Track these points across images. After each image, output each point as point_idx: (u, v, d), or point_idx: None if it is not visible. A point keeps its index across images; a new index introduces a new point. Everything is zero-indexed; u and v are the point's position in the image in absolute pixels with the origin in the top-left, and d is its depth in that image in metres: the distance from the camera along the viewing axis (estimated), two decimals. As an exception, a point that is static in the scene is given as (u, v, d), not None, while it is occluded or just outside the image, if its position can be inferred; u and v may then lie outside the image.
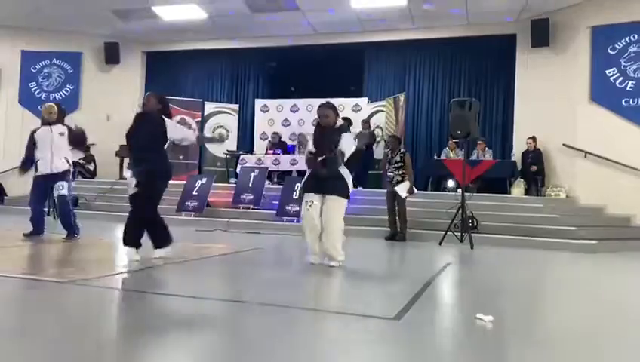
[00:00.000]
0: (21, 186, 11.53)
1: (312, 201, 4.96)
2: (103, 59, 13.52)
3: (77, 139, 6.67)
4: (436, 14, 11.11)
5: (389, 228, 8.23)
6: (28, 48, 13.38)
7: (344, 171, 4.93)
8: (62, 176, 6.52)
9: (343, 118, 10.08)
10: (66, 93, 13.49)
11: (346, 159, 4.91)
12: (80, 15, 12.02)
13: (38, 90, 13.49)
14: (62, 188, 6.55)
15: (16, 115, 13.05)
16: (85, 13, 11.89)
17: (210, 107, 13.61)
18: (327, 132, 5.00)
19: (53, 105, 6.83)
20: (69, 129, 6.64)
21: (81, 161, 12.35)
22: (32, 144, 6.54)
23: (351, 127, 5.19)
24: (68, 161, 6.60)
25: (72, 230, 6.55)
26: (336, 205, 4.92)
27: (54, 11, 11.83)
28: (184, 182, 10.69)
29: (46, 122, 6.65)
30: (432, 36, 11.97)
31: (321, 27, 12.20)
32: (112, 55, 13.42)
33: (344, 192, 4.94)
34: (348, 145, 4.92)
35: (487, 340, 2.85)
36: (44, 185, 6.57)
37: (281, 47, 13.06)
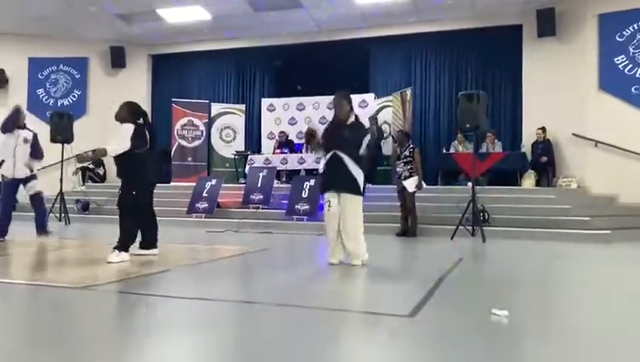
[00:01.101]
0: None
1: (330, 201, 4.96)
2: (109, 64, 13.58)
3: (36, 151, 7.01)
4: (441, 7, 11.03)
5: (399, 225, 8.20)
6: (35, 55, 13.46)
7: (355, 168, 4.88)
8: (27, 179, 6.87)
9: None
10: (74, 99, 13.56)
11: (361, 152, 4.89)
12: (85, 20, 12.06)
13: (46, 97, 13.57)
14: (36, 186, 6.94)
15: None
16: (90, 18, 11.93)
17: (216, 108, 13.62)
18: (340, 127, 4.95)
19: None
20: (34, 136, 6.99)
21: (91, 166, 12.43)
22: None
23: (374, 127, 5.16)
24: (31, 168, 6.91)
25: (44, 228, 6.95)
26: (350, 203, 4.90)
27: (60, 18, 11.89)
28: (194, 184, 10.72)
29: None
30: (437, 29, 11.89)
31: (326, 24, 12.16)
32: (118, 59, 13.47)
33: (356, 190, 4.89)
34: (358, 142, 4.90)
35: (503, 336, 2.82)
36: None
37: (286, 46, 13.04)
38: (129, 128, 4.95)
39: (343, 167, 4.85)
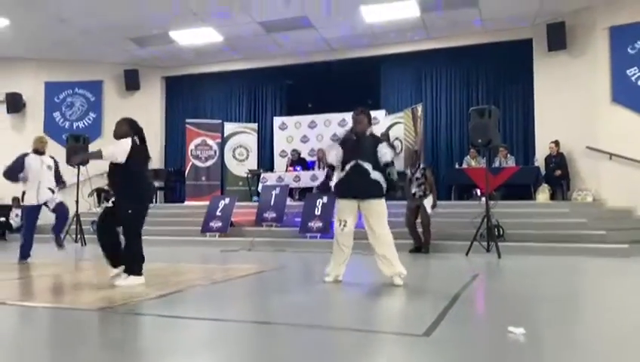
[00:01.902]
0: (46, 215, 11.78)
1: (346, 222, 4.89)
2: (123, 86, 13.80)
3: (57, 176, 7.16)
4: (450, 23, 11.09)
5: (412, 241, 8.17)
6: (51, 79, 13.74)
7: (376, 174, 4.82)
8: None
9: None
10: (89, 122, 13.78)
11: (387, 163, 4.85)
12: (99, 45, 12.31)
13: (62, 120, 13.81)
14: (57, 198, 7.00)
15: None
16: (104, 42, 12.17)
17: (229, 127, 13.76)
18: (359, 139, 4.96)
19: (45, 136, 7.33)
20: (56, 163, 7.13)
21: (106, 187, 12.53)
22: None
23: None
24: (52, 190, 7.01)
25: (60, 238, 7.08)
26: (376, 209, 4.84)
27: (75, 43, 12.14)
28: (207, 203, 10.79)
29: (37, 152, 7.01)
30: (447, 45, 11.96)
31: (336, 42, 12.28)
32: (132, 81, 13.69)
33: (379, 192, 4.83)
34: (385, 153, 4.87)
35: (520, 355, 2.78)
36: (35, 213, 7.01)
37: (297, 65, 13.17)
38: (128, 142, 4.85)
39: (365, 174, 4.81)
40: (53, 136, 13.11)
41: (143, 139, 5.04)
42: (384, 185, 4.86)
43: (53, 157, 7.24)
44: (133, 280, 4.84)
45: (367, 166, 4.82)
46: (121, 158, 4.77)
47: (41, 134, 7.54)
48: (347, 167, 4.91)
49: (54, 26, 11.17)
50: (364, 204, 4.85)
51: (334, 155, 5.02)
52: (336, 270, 5.00)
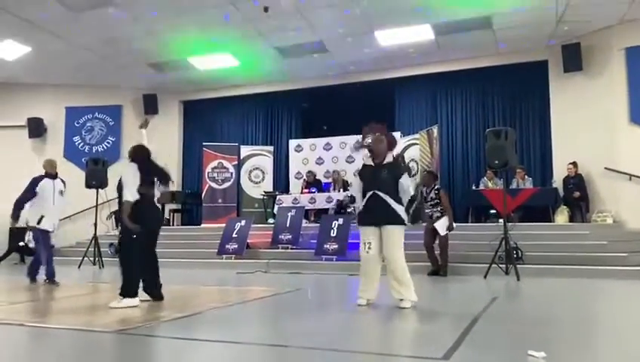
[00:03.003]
0: (65, 237, 11.91)
1: (371, 243, 4.90)
2: (142, 111, 14.01)
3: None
4: (464, 45, 11.14)
5: (430, 264, 8.09)
6: (71, 104, 14.03)
7: (395, 205, 4.83)
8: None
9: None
10: (108, 145, 14.00)
11: (407, 198, 4.87)
12: (119, 70, 12.57)
13: (82, 144, 14.06)
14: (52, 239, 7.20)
15: (61, 169, 13.54)
16: (124, 68, 12.43)
17: (246, 150, 13.88)
18: (380, 169, 4.94)
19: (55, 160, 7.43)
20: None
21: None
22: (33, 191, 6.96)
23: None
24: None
25: (34, 277, 7.17)
26: (392, 235, 4.83)
27: (95, 68, 12.42)
28: (224, 225, 10.83)
29: (50, 175, 7.12)
30: (462, 67, 12.00)
31: (350, 66, 12.40)
32: (150, 106, 13.90)
33: (398, 220, 4.83)
34: (409, 187, 4.89)
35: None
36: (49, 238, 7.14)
37: (312, 88, 13.30)
38: (135, 169, 5.01)
39: (384, 203, 4.82)
40: (73, 160, 13.38)
41: (149, 162, 5.19)
42: (404, 216, 4.87)
43: (63, 180, 7.34)
44: (127, 302, 4.87)
45: (386, 197, 4.83)
46: (135, 187, 4.92)
47: (50, 158, 7.63)
48: (367, 196, 4.94)
49: (75, 53, 11.45)
50: (383, 230, 4.88)
51: (355, 187, 5.21)
52: (367, 294, 4.96)
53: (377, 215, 4.87)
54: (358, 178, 5.12)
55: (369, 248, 4.92)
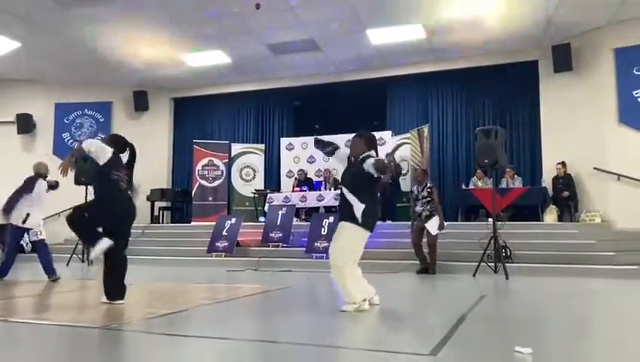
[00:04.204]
0: (54, 233, 11.81)
1: None
2: (132, 107, 13.95)
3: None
4: (456, 45, 11.18)
5: (419, 262, 8.11)
6: (60, 101, 13.92)
7: (352, 198, 4.55)
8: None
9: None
10: (98, 142, 13.87)
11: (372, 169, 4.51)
12: (109, 67, 12.48)
13: (71, 141, 13.95)
14: (40, 234, 7.05)
15: (50, 165, 13.45)
16: (114, 64, 12.34)
17: (236, 148, 13.84)
18: (349, 165, 4.79)
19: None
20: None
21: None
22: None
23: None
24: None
25: (54, 271, 7.00)
26: (339, 230, 4.58)
27: (85, 65, 12.33)
28: (214, 223, 10.80)
29: (41, 176, 7.16)
30: (453, 67, 12.04)
31: (343, 64, 12.40)
32: (141, 103, 13.84)
33: (350, 216, 4.51)
34: (369, 163, 4.53)
35: (527, 374, 2.75)
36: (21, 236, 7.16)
37: (304, 86, 13.30)
38: (109, 150, 4.98)
39: (345, 200, 4.62)
40: (62, 157, 13.21)
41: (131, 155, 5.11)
42: (359, 216, 4.47)
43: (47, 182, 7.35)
44: (100, 246, 4.70)
45: (347, 193, 4.59)
46: (97, 153, 4.96)
47: (41, 160, 7.68)
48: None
49: (65, 49, 11.36)
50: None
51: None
52: (365, 293, 4.66)
53: (340, 211, 4.78)
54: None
55: None
